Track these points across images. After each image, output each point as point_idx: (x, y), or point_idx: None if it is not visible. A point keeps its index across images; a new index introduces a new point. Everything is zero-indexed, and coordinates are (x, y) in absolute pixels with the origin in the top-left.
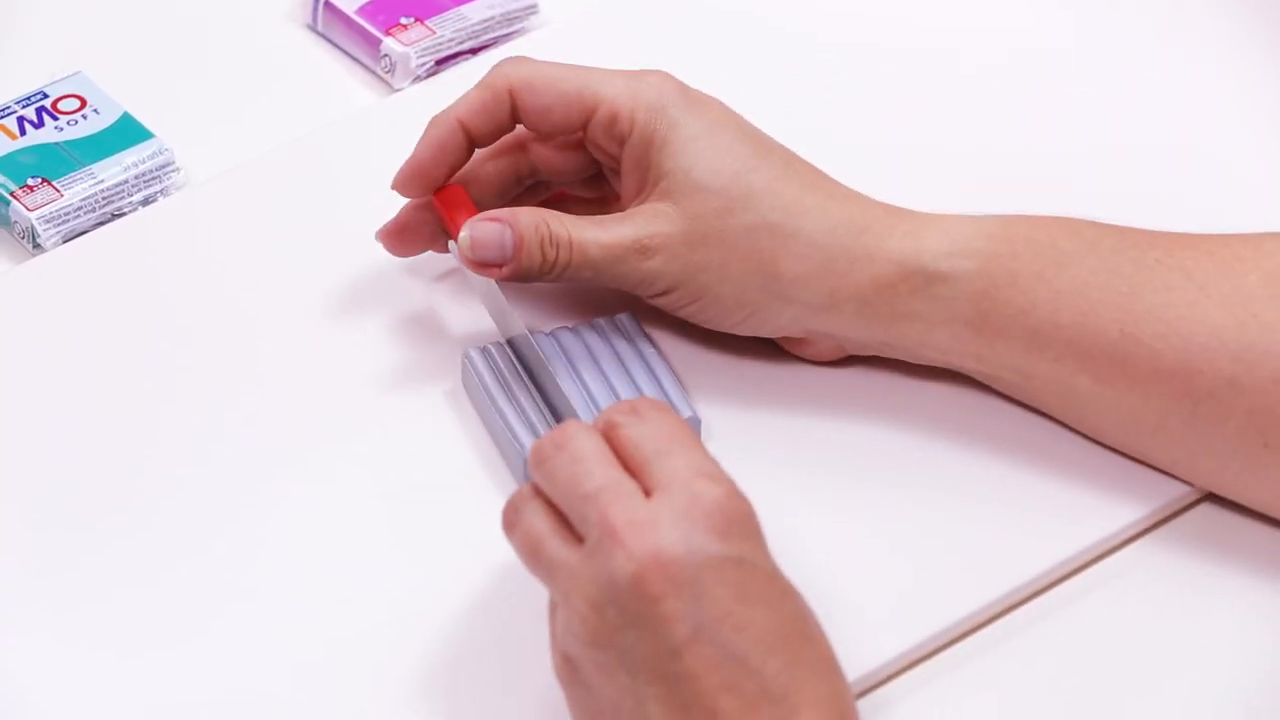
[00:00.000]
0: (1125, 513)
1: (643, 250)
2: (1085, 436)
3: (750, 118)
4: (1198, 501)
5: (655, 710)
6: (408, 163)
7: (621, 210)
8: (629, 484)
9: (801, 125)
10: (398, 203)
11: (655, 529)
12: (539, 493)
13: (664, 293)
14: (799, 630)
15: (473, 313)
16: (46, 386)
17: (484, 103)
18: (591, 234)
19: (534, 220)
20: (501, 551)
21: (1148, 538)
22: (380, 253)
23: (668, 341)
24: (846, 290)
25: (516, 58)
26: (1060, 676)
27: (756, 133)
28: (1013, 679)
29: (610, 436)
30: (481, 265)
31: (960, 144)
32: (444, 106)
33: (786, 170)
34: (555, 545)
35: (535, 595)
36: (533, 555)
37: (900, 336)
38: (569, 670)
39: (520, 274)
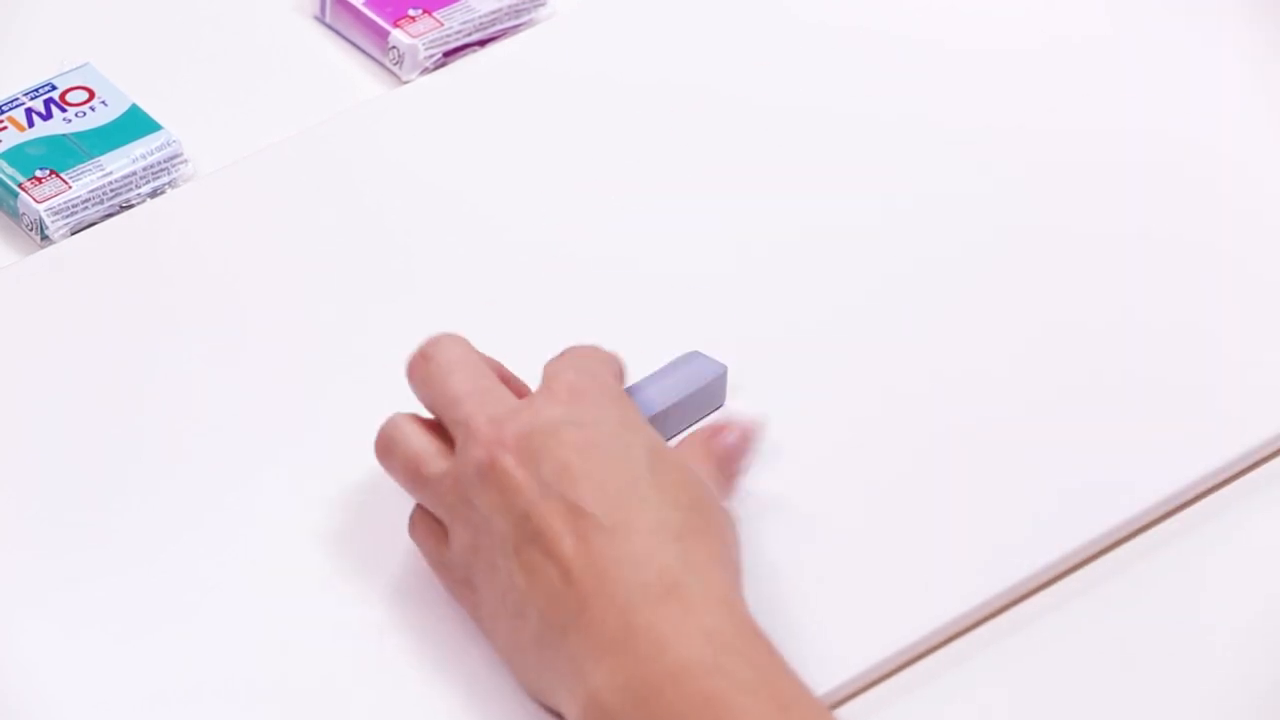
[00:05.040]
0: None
1: None
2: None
3: (767, 112)
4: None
5: (521, 580)
6: None
7: None
8: (499, 389)
9: (821, 118)
10: (405, 193)
11: (512, 419)
12: (414, 418)
13: None
14: (641, 479)
15: (482, 305)
16: (54, 379)
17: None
18: None
19: None
20: None
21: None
22: (389, 244)
23: None
24: None
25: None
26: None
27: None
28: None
29: None
30: None
31: (992, 130)
32: (452, 99)
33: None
34: (435, 463)
35: None
36: (413, 479)
37: None
38: (468, 593)
39: None
